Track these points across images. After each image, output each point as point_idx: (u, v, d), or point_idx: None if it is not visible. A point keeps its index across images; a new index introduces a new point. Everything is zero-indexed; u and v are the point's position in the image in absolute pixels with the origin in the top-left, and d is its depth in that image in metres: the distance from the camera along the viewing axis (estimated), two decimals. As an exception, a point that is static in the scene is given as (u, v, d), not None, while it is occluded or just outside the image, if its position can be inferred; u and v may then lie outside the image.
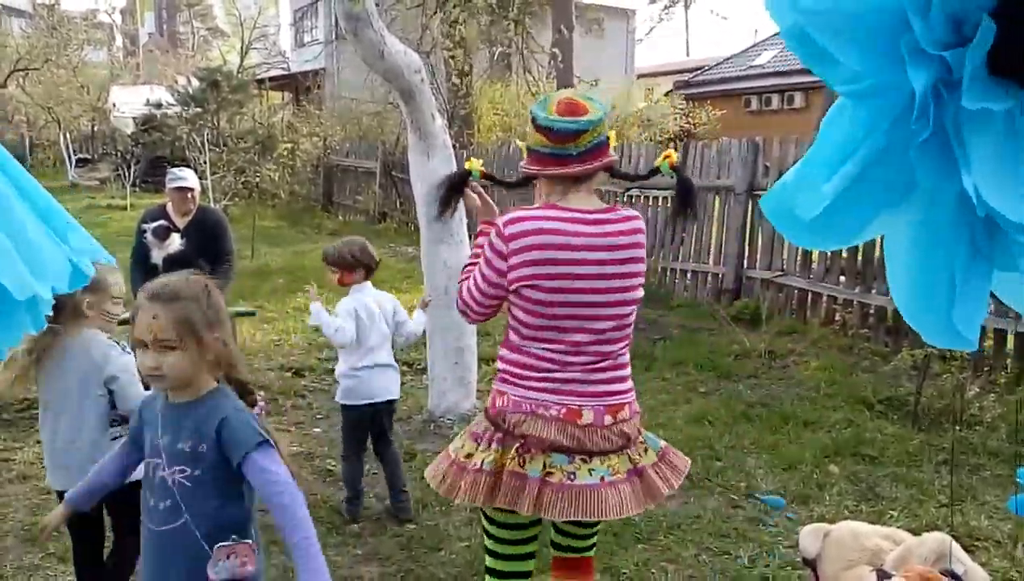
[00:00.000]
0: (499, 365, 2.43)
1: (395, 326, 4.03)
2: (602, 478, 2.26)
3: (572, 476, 2.24)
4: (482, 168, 2.66)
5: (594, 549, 2.67)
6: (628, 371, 2.41)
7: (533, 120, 2.36)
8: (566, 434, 2.26)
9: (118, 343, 2.86)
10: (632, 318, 2.39)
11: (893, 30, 0.78)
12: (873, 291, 6.89)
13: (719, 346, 6.91)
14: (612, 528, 3.85)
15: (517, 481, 2.25)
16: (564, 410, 2.27)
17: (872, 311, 7.00)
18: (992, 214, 0.78)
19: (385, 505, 4.06)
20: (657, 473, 2.38)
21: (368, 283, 4.00)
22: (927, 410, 5.21)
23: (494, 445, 2.30)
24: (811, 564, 2.73)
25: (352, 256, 3.94)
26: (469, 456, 2.34)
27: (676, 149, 9.38)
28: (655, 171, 2.55)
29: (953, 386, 5.28)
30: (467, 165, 2.63)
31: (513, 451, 2.27)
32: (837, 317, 7.26)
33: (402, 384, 6.01)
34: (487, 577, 2.57)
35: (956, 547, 2.49)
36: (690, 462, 2.58)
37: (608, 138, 2.37)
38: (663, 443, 2.51)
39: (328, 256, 3.99)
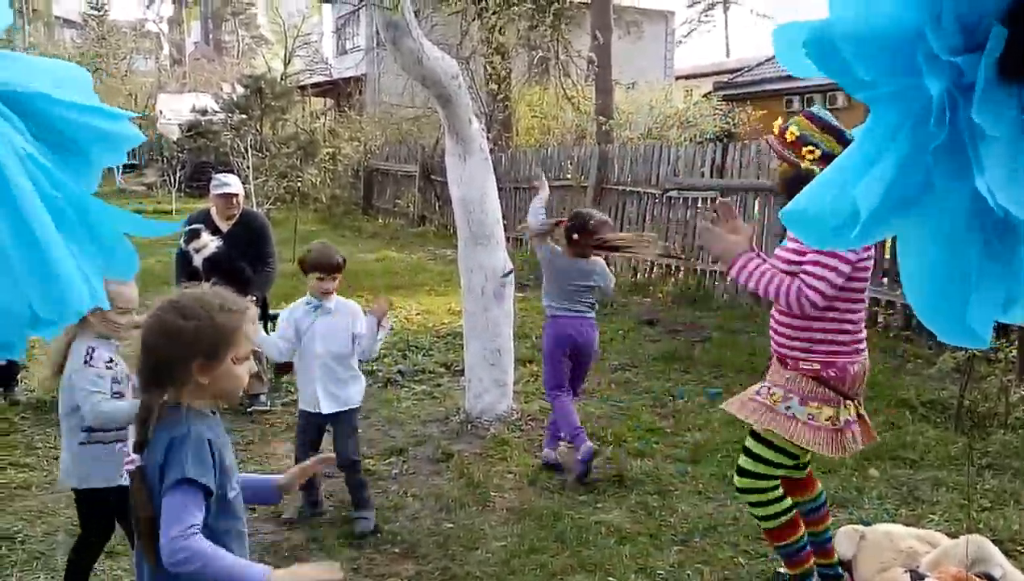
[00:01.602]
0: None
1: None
2: (860, 415, 2.96)
3: (860, 415, 2.96)
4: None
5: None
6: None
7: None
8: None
9: (110, 349, 2.94)
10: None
11: (911, 40, 0.81)
12: (916, 293, 6.79)
13: (759, 348, 6.85)
14: (648, 530, 3.86)
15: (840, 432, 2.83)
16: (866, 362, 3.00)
17: (915, 313, 6.89)
18: (1006, 214, 0.80)
19: (423, 504, 4.11)
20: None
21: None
22: (970, 413, 5.12)
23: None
24: (847, 565, 2.72)
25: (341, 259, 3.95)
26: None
27: (717, 149, 9.35)
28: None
29: (997, 389, 5.18)
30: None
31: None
32: (880, 319, 7.16)
33: (438, 386, 6.14)
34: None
35: (994, 550, 2.47)
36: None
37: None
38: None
39: (336, 262, 3.92)
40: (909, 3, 0.78)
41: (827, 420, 2.79)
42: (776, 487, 2.96)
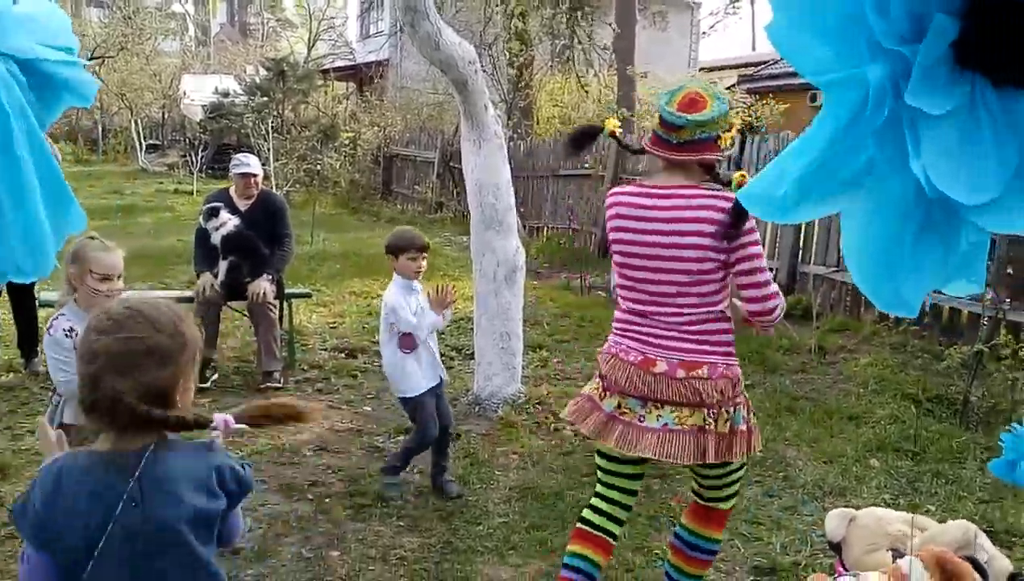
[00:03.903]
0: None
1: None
2: (665, 424, 2.58)
3: (642, 419, 2.61)
4: (616, 128, 2.86)
5: (728, 503, 2.86)
6: (716, 338, 2.63)
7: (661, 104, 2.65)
8: (640, 379, 2.59)
9: (77, 319, 2.93)
10: (703, 289, 2.59)
11: (859, 27, 0.87)
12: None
13: (768, 340, 6.87)
14: (648, 511, 3.93)
15: (599, 414, 2.68)
16: (641, 358, 2.60)
17: (927, 309, 6.91)
18: (944, 196, 0.86)
19: (429, 479, 4.20)
20: (720, 440, 2.57)
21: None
22: (977, 409, 5.15)
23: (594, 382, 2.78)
24: (837, 548, 2.78)
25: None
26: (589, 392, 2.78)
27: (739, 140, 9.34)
28: (727, 184, 2.67)
29: (1003, 385, 5.20)
30: (606, 123, 2.86)
31: (601, 389, 2.71)
32: (891, 314, 7.17)
33: (449, 368, 6.22)
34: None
35: (981, 536, 2.52)
36: (758, 449, 2.75)
37: (717, 137, 2.60)
38: (747, 426, 2.66)
39: (426, 242, 4.12)
40: (858, -10, 0.84)
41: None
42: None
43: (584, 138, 2.90)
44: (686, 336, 2.59)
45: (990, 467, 1.78)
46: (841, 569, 2.68)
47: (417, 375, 3.97)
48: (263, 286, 5.64)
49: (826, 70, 0.92)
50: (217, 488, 1.61)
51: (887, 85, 0.88)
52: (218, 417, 1.73)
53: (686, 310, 2.59)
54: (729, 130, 2.62)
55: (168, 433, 1.62)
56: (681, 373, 2.56)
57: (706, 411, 2.56)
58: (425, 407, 3.99)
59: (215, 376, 5.66)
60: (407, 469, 4.21)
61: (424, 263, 4.07)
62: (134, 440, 1.57)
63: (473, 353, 5.66)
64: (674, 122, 2.57)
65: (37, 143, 1.14)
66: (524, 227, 10.55)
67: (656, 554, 3.53)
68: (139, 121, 24.95)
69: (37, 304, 5.68)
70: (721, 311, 2.65)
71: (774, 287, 2.64)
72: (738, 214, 2.48)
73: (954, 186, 0.87)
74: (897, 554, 2.35)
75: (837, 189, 0.91)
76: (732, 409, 2.61)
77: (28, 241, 1.09)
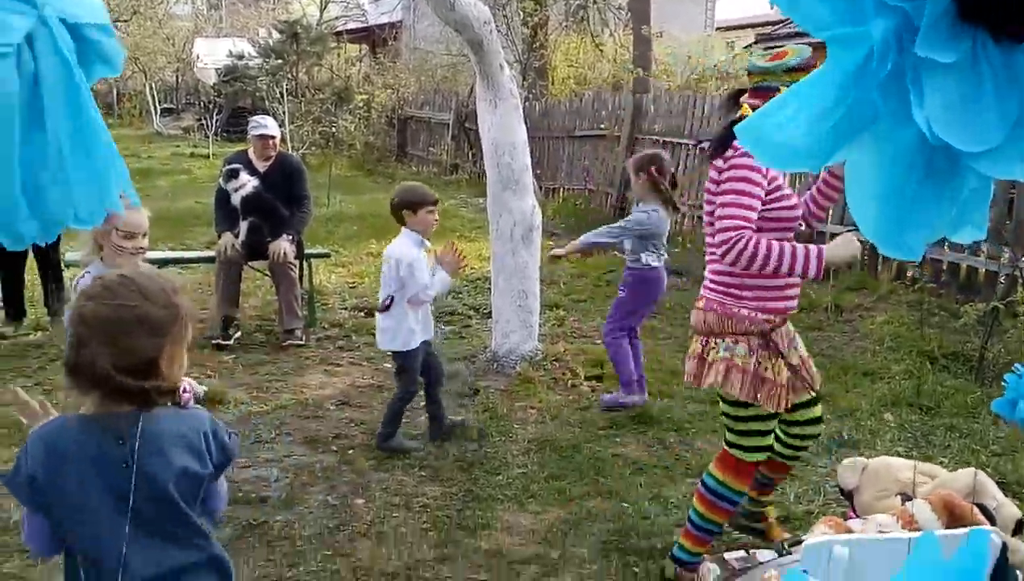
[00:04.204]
0: None
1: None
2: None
3: None
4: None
5: (750, 455, 2.87)
6: (718, 278, 2.81)
7: None
8: None
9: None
10: (711, 234, 2.77)
11: None
12: (946, 247, 6.79)
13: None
14: (663, 463, 4.02)
15: None
16: None
17: (945, 267, 6.91)
18: (947, 146, 0.91)
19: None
20: (702, 364, 2.82)
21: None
22: (992, 365, 5.18)
23: None
24: (849, 496, 2.85)
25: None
26: None
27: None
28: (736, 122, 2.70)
29: (1020, 341, 5.23)
30: (743, 110, 2.80)
31: None
32: (908, 273, 7.17)
33: (467, 327, 6.31)
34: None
35: (990, 483, 2.58)
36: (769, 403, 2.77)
37: (777, 89, 2.59)
38: (741, 366, 2.73)
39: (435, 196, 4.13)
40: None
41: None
42: None
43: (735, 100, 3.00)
44: (705, 275, 2.87)
45: (992, 406, 1.84)
46: (853, 515, 2.75)
47: (416, 330, 4.03)
48: (283, 246, 5.71)
49: (829, 26, 0.96)
50: (203, 449, 1.65)
51: (891, 39, 0.92)
52: (185, 382, 1.75)
53: (708, 252, 2.84)
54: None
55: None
56: (696, 305, 2.88)
57: (700, 339, 2.84)
58: (416, 360, 4.08)
59: (238, 334, 5.77)
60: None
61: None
62: (120, 404, 1.60)
63: (491, 312, 5.73)
64: (749, 68, 2.76)
65: (91, 100, 1.20)
66: (540, 189, 10.54)
67: (672, 503, 3.61)
68: (153, 85, 24.95)
69: (63, 263, 5.80)
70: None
71: (728, 234, 2.63)
72: (721, 141, 2.66)
73: (956, 135, 0.91)
74: (906, 498, 2.41)
75: (842, 140, 0.96)
76: (721, 341, 2.76)
77: (89, 191, 1.16)
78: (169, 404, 1.67)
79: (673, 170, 5.00)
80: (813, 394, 2.93)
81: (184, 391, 1.75)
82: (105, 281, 1.65)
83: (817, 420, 3.05)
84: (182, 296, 1.70)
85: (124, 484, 1.57)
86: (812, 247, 2.74)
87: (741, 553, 2.96)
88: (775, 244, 2.66)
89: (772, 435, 2.88)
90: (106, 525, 1.58)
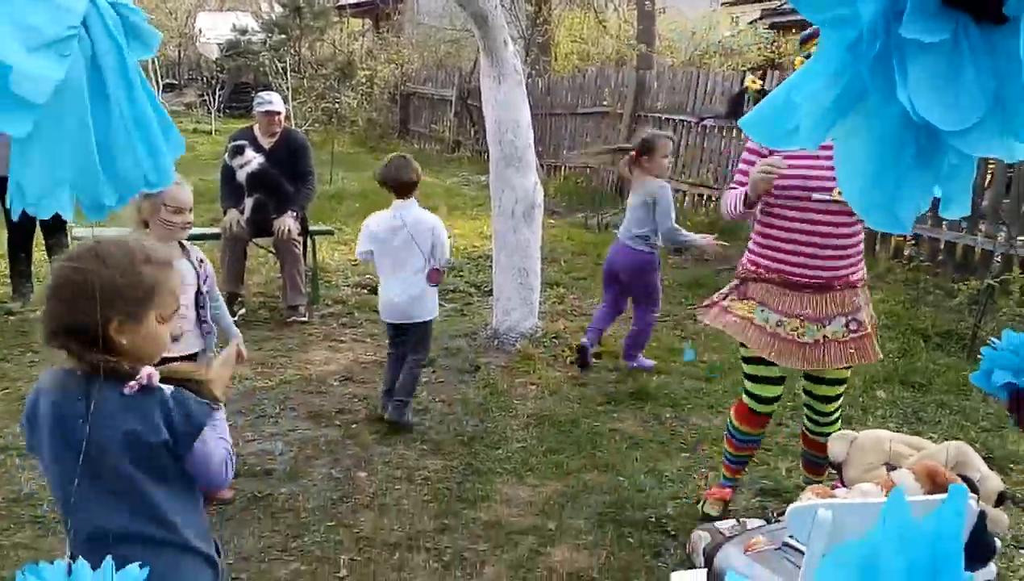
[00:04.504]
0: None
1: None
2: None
3: None
4: (755, 84, 3.14)
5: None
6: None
7: None
8: None
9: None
10: None
11: None
12: (943, 226, 6.84)
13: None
14: (660, 438, 4.11)
15: None
16: None
17: (942, 246, 6.96)
18: (926, 122, 0.97)
19: (451, 408, 4.39)
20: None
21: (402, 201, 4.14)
22: (985, 343, 5.23)
23: None
24: (838, 468, 2.93)
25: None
26: None
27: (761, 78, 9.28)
28: (741, 95, 2.90)
29: (1014, 320, 5.29)
30: (747, 82, 3.08)
31: None
32: (905, 252, 7.24)
33: (468, 304, 6.39)
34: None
35: (974, 455, 2.66)
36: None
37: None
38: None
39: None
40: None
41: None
42: None
43: (738, 104, 3.22)
44: None
45: (971, 378, 1.92)
46: (840, 486, 2.84)
47: (436, 298, 4.17)
48: (288, 223, 5.78)
49: (823, 8, 1.03)
50: (159, 420, 1.61)
51: (879, 21, 0.98)
52: (144, 371, 1.66)
53: None
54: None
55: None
56: None
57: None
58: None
59: (242, 311, 5.85)
60: (431, 399, 4.40)
61: None
62: (78, 363, 1.61)
63: (491, 289, 5.80)
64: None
65: (140, 74, 1.27)
66: (542, 166, 10.59)
67: (666, 476, 3.71)
68: (155, 60, 24.88)
69: (70, 241, 5.87)
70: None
71: (726, 194, 3.17)
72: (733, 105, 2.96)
73: (937, 113, 0.98)
74: (891, 467, 2.50)
75: (835, 118, 1.03)
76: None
77: (153, 157, 1.23)
78: (126, 387, 1.60)
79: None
80: (774, 364, 3.18)
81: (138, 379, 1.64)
82: (81, 245, 1.69)
83: (824, 398, 3.26)
84: (155, 266, 1.68)
85: (79, 441, 1.56)
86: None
87: (732, 522, 3.05)
88: (727, 192, 3.15)
89: (765, 385, 3.24)
90: (68, 477, 1.60)
